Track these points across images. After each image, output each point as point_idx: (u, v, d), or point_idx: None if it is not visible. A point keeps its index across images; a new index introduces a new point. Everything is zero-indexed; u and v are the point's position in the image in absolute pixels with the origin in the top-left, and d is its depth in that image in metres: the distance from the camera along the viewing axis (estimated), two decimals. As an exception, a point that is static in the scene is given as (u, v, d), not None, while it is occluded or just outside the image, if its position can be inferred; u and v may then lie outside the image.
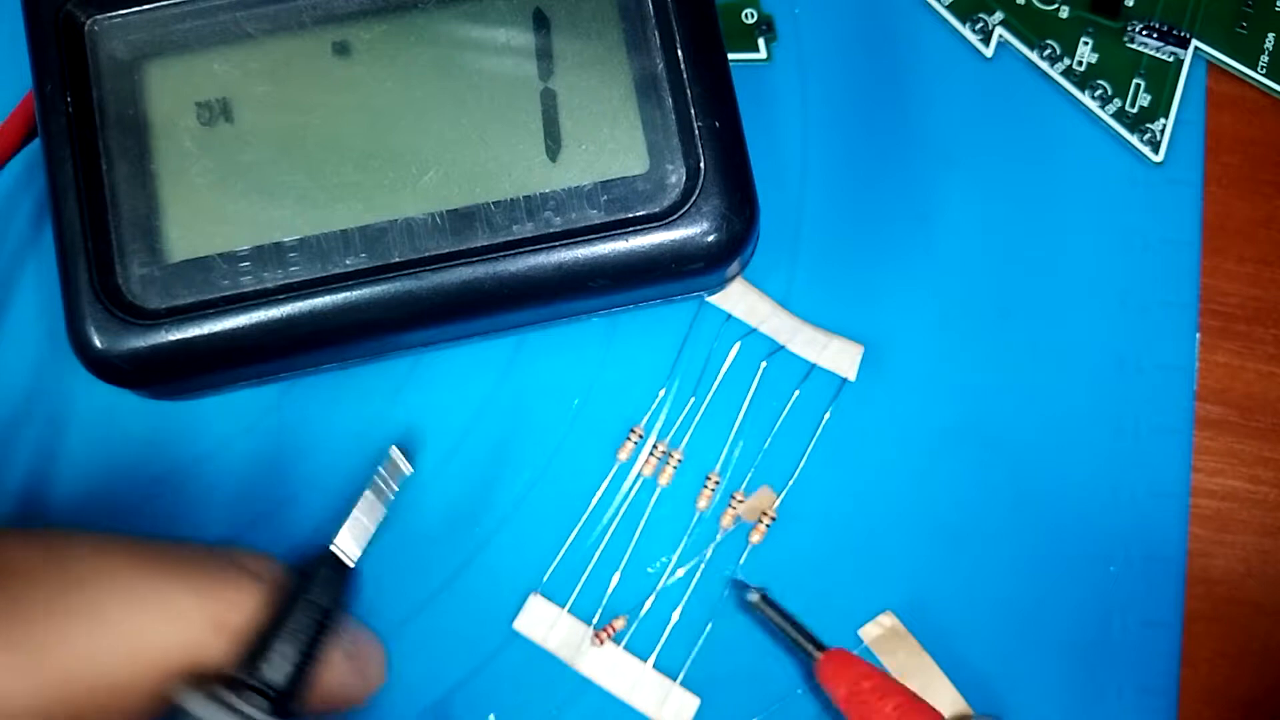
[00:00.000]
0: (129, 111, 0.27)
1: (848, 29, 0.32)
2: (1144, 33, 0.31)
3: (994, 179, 0.31)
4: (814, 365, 0.30)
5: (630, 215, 0.26)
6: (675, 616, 0.29)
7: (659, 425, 0.30)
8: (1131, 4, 0.32)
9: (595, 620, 0.29)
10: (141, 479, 0.30)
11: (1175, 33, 0.32)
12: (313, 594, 0.24)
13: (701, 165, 0.26)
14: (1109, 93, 0.31)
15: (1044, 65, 0.32)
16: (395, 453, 0.27)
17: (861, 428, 0.30)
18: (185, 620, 0.23)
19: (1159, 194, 0.31)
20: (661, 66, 0.27)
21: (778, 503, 0.30)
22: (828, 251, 0.31)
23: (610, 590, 0.29)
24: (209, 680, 0.23)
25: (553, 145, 0.27)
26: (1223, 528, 0.31)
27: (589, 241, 0.26)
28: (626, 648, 0.29)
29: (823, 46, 0.32)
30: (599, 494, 0.30)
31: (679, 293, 0.28)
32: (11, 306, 0.30)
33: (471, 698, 0.29)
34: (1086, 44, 0.32)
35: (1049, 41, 0.32)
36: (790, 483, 0.30)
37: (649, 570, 0.30)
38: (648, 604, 0.29)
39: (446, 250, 0.26)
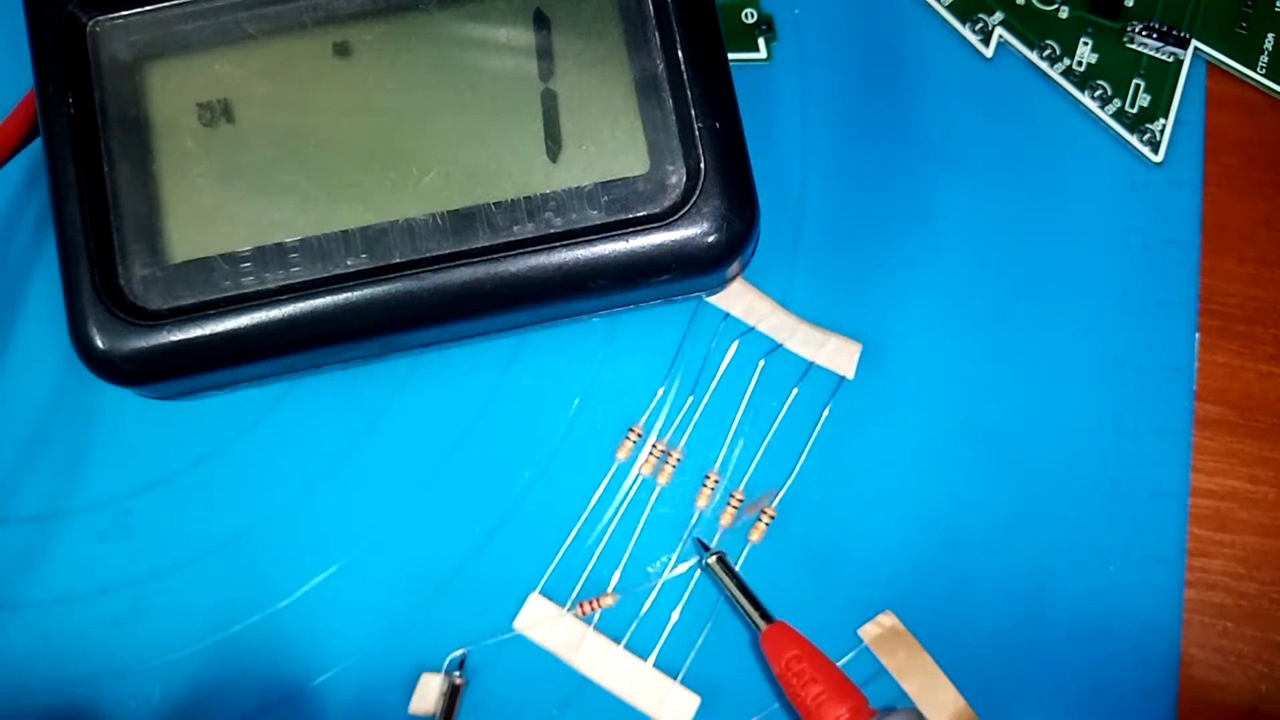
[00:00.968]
0: (130, 112, 0.27)
1: (848, 29, 0.32)
2: (1144, 33, 0.31)
3: (994, 179, 0.31)
4: (812, 364, 0.30)
5: (631, 216, 0.26)
6: (675, 616, 0.29)
7: (658, 425, 0.30)
8: (1131, 4, 0.32)
9: (594, 617, 0.29)
10: (143, 479, 0.30)
11: (1175, 33, 0.32)
12: None
13: (702, 166, 0.26)
14: (1109, 93, 0.32)
15: (1044, 65, 0.32)
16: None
17: (861, 428, 0.30)
18: None
19: (1159, 194, 0.31)
20: (662, 67, 0.27)
21: (778, 499, 0.30)
22: (827, 251, 0.31)
23: (610, 590, 0.29)
24: None
25: (553, 146, 0.27)
26: (1222, 527, 0.31)
27: (589, 242, 0.26)
28: (626, 647, 0.29)
29: (823, 47, 0.32)
30: (598, 494, 0.30)
31: (679, 293, 0.29)
32: (14, 307, 0.30)
33: (472, 697, 0.29)
34: (1086, 44, 0.32)
35: (1049, 42, 0.32)
36: (789, 482, 0.30)
37: (649, 570, 0.30)
38: (648, 603, 0.29)
39: (447, 251, 0.26)
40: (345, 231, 0.26)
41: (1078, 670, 0.30)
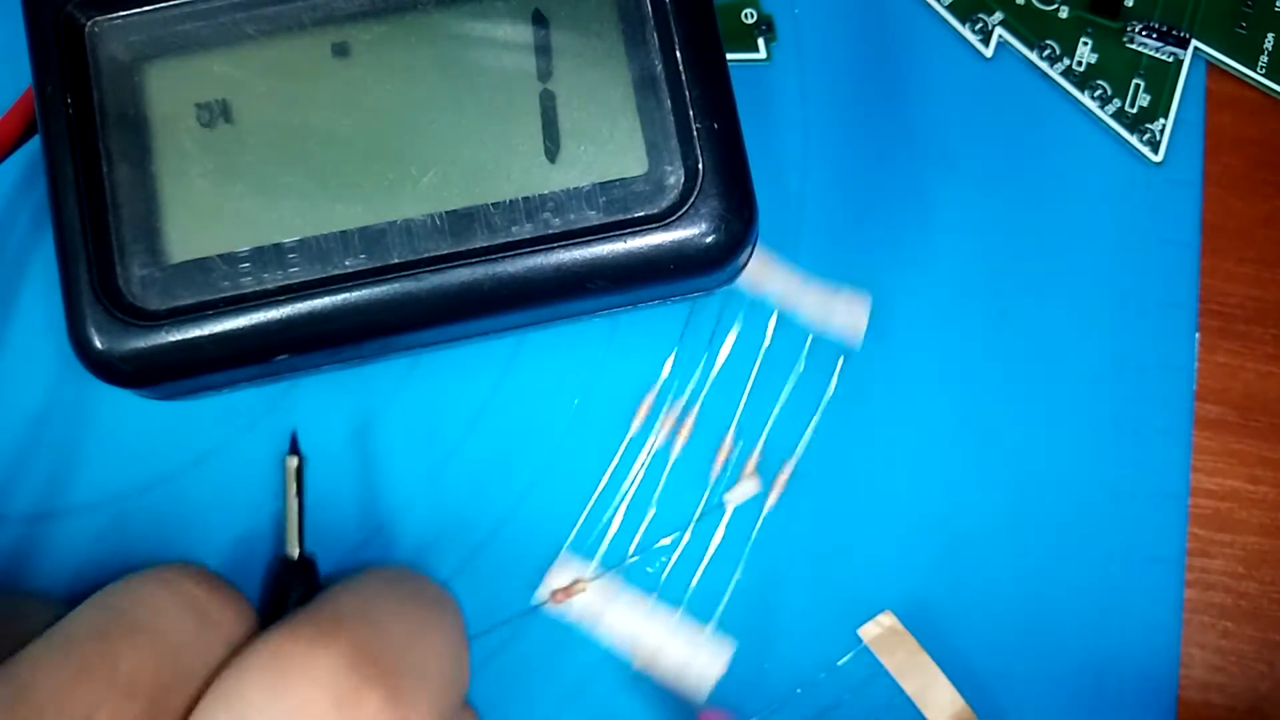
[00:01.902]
0: (129, 112, 0.27)
1: (847, 29, 0.32)
2: (1144, 33, 0.31)
3: (993, 179, 0.31)
4: (813, 336, 0.30)
5: (629, 216, 0.26)
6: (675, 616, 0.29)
7: (663, 409, 0.30)
8: (1131, 4, 0.32)
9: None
10: (142, 479, 0.30)
11: (1175, 33, 0.32)
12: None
13: (700, 166, 0.26)
14: (1108, 93, 0.32)
15: (1043, 65, 0.32)
16: (289, 462, 0.27)
17: (860, 427, 0.30)
18: None
19: (1158, 194, 0.31)
20: (660, 67, 0.27)
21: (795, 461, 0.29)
22: (826, 252, 0.31)
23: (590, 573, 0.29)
24: None
25: (551, 146, 0.27)
26: (1222, 527, 0.31)
27: (588, 242, 0.26)
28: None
29: (822, 47, 0.32)
30: (598, 493, 0.30)
31: (678, 293, 0.29)
32: (11, 307, 0.30)
33: (472, 697, 0.29)
34: (1086, 44, 0.32)
35: (1048, 42, 0.32)
36: (789, 470, 0.30)
37: (648, 570, 0.30)
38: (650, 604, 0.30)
39: (446, 251, 0.26)
40: (344, 232, 0.26)
41: (1077, 670, 0.30)
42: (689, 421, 0.30)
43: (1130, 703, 0.30)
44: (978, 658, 0.30)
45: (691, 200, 0.26)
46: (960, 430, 0.30)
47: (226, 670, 0.23)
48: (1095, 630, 0.30)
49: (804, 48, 0.32)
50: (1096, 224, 0.31)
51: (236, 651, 0.23)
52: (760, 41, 0.32)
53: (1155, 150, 0.31)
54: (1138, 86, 0.32)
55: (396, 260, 0.26)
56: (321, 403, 0.30)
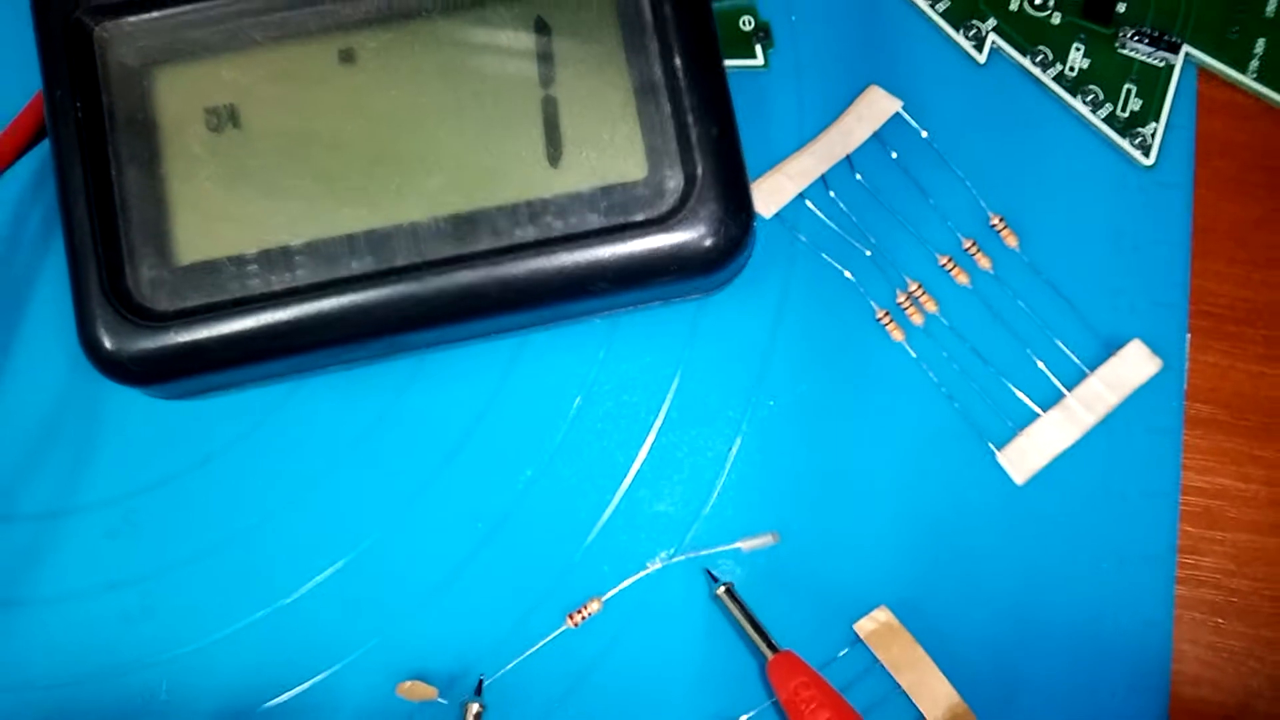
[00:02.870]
0: (138, 117, 0.27)
1: (843, 36, 0.32)
2: (1135, 38, 0.32)
3: (987, 183, 0.31)
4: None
5: (629, 220, 0.26)
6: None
7: (662, 413, 0.30)
8: (1123, 10, 0.32)
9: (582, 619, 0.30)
10: (150, 477, 0.30)
11: (1166, 38, 0.32)
12: None
13: (699, 171, 0.26)
14: (1101, 98, 0.32)
15: (1036, 71, 0.32)
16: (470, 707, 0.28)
17: (859, 427, 0.30)
18: None
19: (1150, 197, 0.31)
20: (660, 74, 0.27)
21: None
22: (823, 255, 0.31)
23: (610, 591, 0.30)
24: None
25: (554, 151, 0.27)
26: (1213, 525, 0.31)
27: (589, 245, 0.26)
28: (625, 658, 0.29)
29: (819, 53, 0.32)
30: (597, 493, 0.30)
31: (677, 295, 0.29)
32: (22, 307, 0.30)
33: (472, 690, 0.29)
34: (1078, 50, 0.32)
35: (1041, 47, 0.32)
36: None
37: (647, 566, 0.30)
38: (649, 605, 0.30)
39: (450, 254, 0.26)
40: (350, 235, 0.26)
41: (1070, 667, 0.30)
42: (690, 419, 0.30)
43: (1123, 698, 0.30)
44: (972, 653, 0.30)
45: (690, 204, 0.26)
46: (955, 428, 0.30)
47: None
48: (1088, 626, 0.30)
49: (801, 54, 0.32)
50: (1089, 226, 0.31)
51: None
52: (758, 48, 0.32)
53: (1147, 154, 0.31)
54: (1129, 91, 0.32)
55: (401, 263, 0.26)
56: (327, 402, 0.30)
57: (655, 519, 0.30)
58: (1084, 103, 0.32)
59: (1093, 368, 0.30)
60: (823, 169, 0.31)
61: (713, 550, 0.30)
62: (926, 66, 0.32)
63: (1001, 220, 0.31)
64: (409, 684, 0.28)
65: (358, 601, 0.30)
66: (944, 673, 0.29)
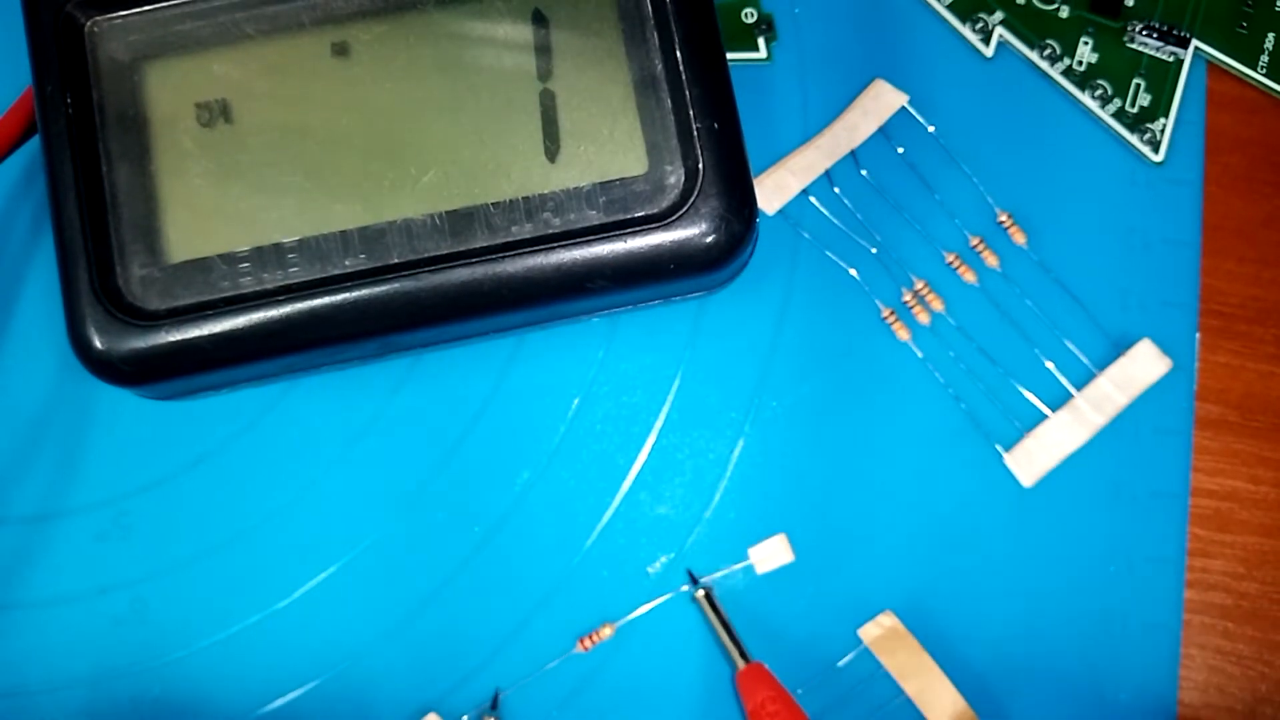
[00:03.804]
0: (129, 112, 0.27)
1: (848, 28, 0.32)
2: (1144, 33, 0.31)
3: (995, 179, 0.31)
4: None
5: (629, 216, 0.26)
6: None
7: (663, 414, 0.30)
8: (1132, 4, 0.32)
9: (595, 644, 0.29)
10: (142, 479, 0.30)
11: (1175, 33, 0.32)
12: None
13: (700, 166, 0.26)
14: (1109, 93, 0.32)
15: (1044, 65, 0.32)
16: None
17: (861, 426, 0.30)
18: None
19: (1159, 194, 0.31)
20: (660, 67, 0.27)
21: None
22: (827, 253, 0.31)
23: (607, 591, 0.29)
24: None
25: (551, 146, 0.27)
26: (1222, 527, 0.31)
27: (588, 242, 0.26)
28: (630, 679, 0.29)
29: (823, 46, 0.32)
30: (596, 496, 0.30)
31: (678, 293, 0.29)
32: (11, 306, 0.30)
33: (471, 696, 0.29)
34: (1087, 44, 0.32)
35: (1049, 41, 0.32)
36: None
37: (648, 570, 0.30)
38: (650, 606, 0.29)
39: (445, 251, 0.26)
40: (344, 232, 0.26)
41: (1078, 670, 0.30)
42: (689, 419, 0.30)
43: (1130, 702, 0.30)
44: (978, 658, 0.30)
45: (692, 200, 0.26)
46: (960, 428, 0.30)
47: None
48: (1096, 630, 0.30)
49: (805, 48, 0.32)
50: (1097, 224, 0.31)
51: None
52: (760, 41, 0.32)
53: (1156, 150, 0.31)
54: (1138, 86, 0.32)
55: (396, 260, 0.26)
56: (321, 403, 0.30)
57: (656, 522, 0.30)
58: (1092, 98, 0.31)
59: (1101, 368, 0.30)
60: (827, 165, 0.31)
61: (726, 571, 0.29)
62: (933, 60, 0.32)
63: (1009, 217, 0.31)
64: None
65: (353, 605, 0.29)
66: (949, 675, 0.29)
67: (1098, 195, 0.31)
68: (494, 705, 0.29)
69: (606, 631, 0.29)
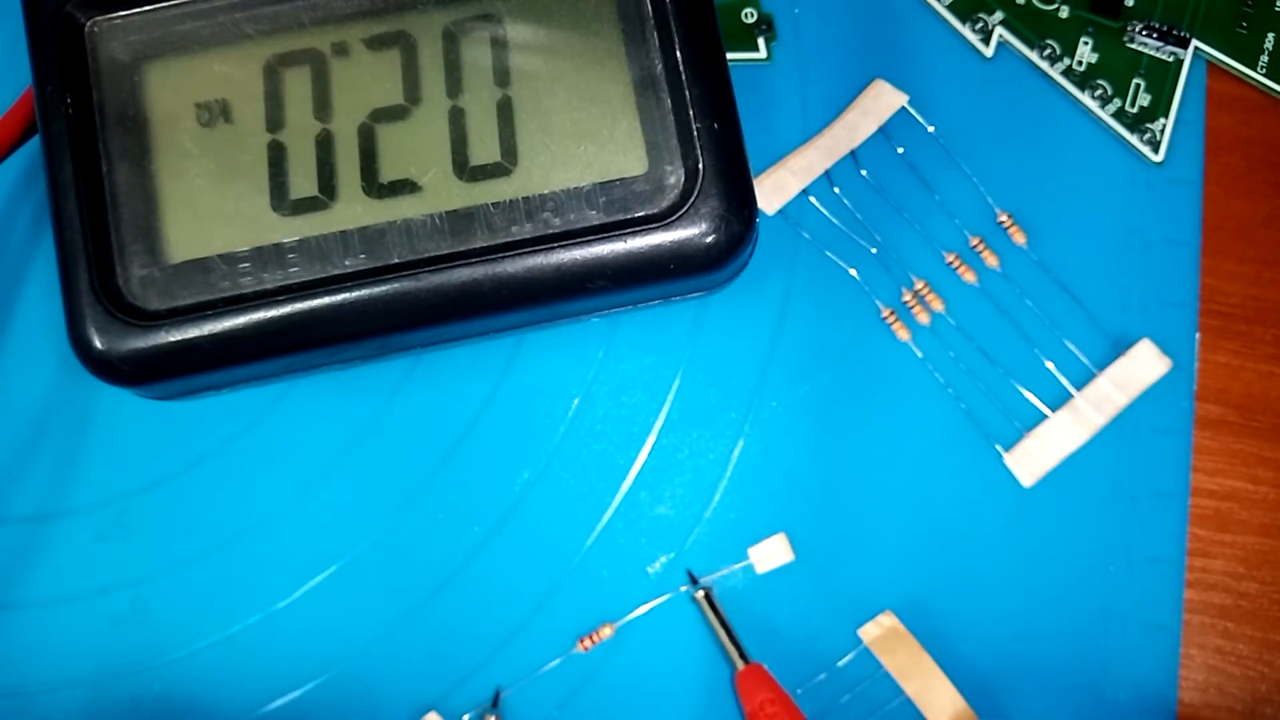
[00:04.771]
0: (129, 112, 0.27)
1: (848, 28, 0.32)
2: (1144, 33, 0.31)
3: (994, 179, 0.31)
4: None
5: (629, 216, 0.26)
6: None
7: (663, 414, 0.30)
8: (1131, 4, 0.32)
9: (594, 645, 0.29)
10: (142, 479, 0.30)
11: (1175, 33, 0.31)
12: None
13: (700, 166, 0.26)
14: (1109, 93, 0.31)
15: (1044, 65, 0.32)
16: None
17: (861, 426, 0.30)
18: None
19: (1159, 194, 0.31)
20: (660, 67, 0.27)
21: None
22: (827, 253, 0.31)
23: (607, 591, 0.29)
24: None
25: (551, 146, 0.27)
26: (1222, 527, 0.31)
27: (588, 242, 0.26)
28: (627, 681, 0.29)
29: (823, 46, 0.32)
30: (596, 496, 0.30)
31: (678, 293, 0.29)
32: (11, 306, 0.30)
33: (471, 697, 0.29)
34: (1086, 44, 0.32)
35: (1049, 41, 0.32)
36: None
37: (648, 570, 0.30)
38: (650, 606, 0.29)
39: (445, 251, 0.26)
40: (343, 232, 0.26)
41: (1078, 670, 0.30)
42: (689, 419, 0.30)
43: (1130, 702, 0.30)
44: (978, 658, 0.29)
45: (692, 200, 0.26)
46: (960, 428, 0.30)
47: None
48: (1096, 630, 0.30)
49: (804, 47, 0.32)
50: (1097, 224, 0.31)
51: None
52: (760, 41, 0.31)
53: (1156, 150, 0.31)
54: (1138, 86, 0.32)
55: (396, 260, 0.26)
56: (321, 403, 0.30)
57: (656, 522, 0.30)
58: (1092, 98, 0.31)
59: (1101, 368, 0.30)
60: (827, 165, 0.31)
61: (726, 570, 0.29)
62: (932, 60, 0.32)
63: (1009, 217, 0.31)
64: None
65: (353, 605, 0.29)
66: (949, 675, 0.29)
67: (1098, 195, 0.31)
68: (495, 704, 0.29)
69: (606, 631, 0.29)
